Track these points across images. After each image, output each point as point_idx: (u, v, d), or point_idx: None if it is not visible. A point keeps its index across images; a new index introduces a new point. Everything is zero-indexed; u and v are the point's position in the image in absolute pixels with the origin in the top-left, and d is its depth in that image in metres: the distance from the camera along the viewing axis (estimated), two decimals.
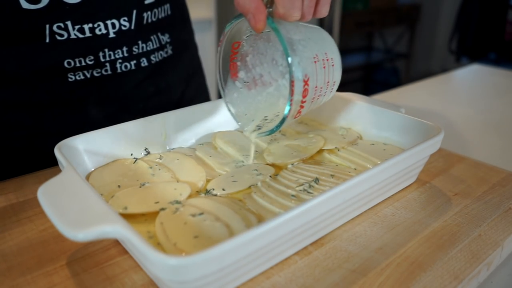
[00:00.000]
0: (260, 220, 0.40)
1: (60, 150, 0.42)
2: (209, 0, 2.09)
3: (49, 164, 0.53)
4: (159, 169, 0.48)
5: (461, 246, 0.41)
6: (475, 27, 2.98)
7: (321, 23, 2.57)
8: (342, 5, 2.74)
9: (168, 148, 0.54)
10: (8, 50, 0.53)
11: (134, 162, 0.49)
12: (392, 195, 0.49)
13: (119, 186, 0.45)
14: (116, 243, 0.41)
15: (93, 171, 0.47)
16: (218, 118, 0.58)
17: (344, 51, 3.23)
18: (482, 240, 0.42)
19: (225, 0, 2.31)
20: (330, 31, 2.56)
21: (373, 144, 0.55)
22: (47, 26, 0.53)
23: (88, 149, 0.47)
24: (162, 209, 0.41)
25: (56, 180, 0.36)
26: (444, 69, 3.17)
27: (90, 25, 0.55)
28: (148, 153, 0.52)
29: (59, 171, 0.41)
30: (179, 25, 0.70)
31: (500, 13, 2.95)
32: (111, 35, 0.57)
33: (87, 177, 0.46)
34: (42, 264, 0.38)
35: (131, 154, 0.51)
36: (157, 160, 0.50)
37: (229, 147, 0.53)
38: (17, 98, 0.56)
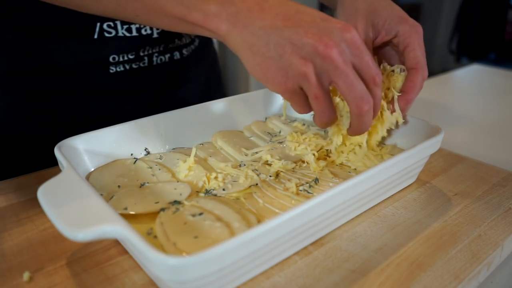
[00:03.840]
0: (260, 220, 0.40)
1: (60, 150, 0.42)
2: None
3: (49, 164, 0.53)
4: (159, 169, 0.48)
5: (461, 246, 0.41)
6: (475, 27, 2.98)
7: None
8: None
9: (168, 148, 0.54)
10: (57, 43, 0.58)
11: (134, 162, 0.49)
12: (392, 195, 0.49)
13: (119, 186, 0.44)
14: (116, 243, 0.41)
15: (93, 171, 0.47)
16: (218, 118, 0.58)
17: None
18: (482, 240, 0.42)
19: None
20: None
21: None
22: (98, 24, 0.57)
23: (88, 149, 0.47)
24: (162, 209, 0.41)
25: (56, 180, 0.36)
26: (444, 69, 3.16)
27: (137, 25, 0.60)
28: (148, 153, 0.52)
29: (59, 171, 0.41)
30: None
31: (500, 13, 2.95)
32: (155, 35, 0.62)
33: (87, 177, 0.46)
34: (42, 264, 0.38)
35: (131, 154, 0.51)
36: (157, 160, 0.50)
37: (229, 147, 0.53)
38: (62, 87, 0.61)
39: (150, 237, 0.38)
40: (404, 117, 0.50)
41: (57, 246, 0.40)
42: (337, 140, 0.49)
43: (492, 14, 2.96)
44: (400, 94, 0.48)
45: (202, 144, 0.55)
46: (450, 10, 3.34)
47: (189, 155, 0.49)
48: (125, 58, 0.61)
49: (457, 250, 0.40)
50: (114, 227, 0.31)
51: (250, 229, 0.31)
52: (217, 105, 0.58)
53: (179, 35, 0.66)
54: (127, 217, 0.39)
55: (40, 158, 0.60)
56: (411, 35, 0.48)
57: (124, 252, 0.39)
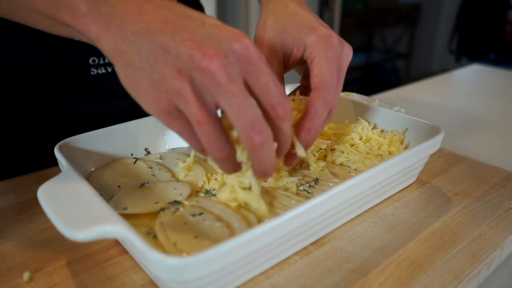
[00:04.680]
0: (260, 220, 0.40)
1: (60, 150, 0.42)
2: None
3: (49, 164, 0.53)
4: (159, 169, 0.48)
5: (461, 246, 0.41)
6: (475, 27, 2.98)
7: None
8: (342, 5, 2.74)
9: (168, 148, 0.54)
10: (38, 43, 0.56)
11: (134, 162, 0.49)
12: (392, 195, 0.49)
13: (119, 186, 0.44)
14: (116, 243, 0.41)
15: (93, 171, 0.47)
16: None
17: None
18: (482, 240, 0.42)
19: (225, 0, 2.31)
20: None
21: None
22: None
23: (88, 149, 0.47)
24: (162, 209, 0.41)
25: (56, 180, 0.36)
26: (444, 69, 3.17)
27: None
28: (148, 153, 0.52)
29: (59, 171, 0.41)
30: None
31: (500, 13, 2.95)
32: None
33: (87, 177, 0.46)
34: (42, 264, 0.38)
35: (131, 154, 0.51)
36: (157, 160, 0.50)
37: None
38: (43, 86, 0.59)
39: (150, 237, 0.38)
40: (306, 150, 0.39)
41: (57, 246, 0.40)
42: (252, 181, 0.39)
43: (492, 14, 2.96)
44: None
45: None
46: (450, 10, 3.34)
47: (189, 155, 0.49)
48: (107, 60, 0.60)
49: (457, 250, 0.40)
50: (114, 227, 0.31)
51: (250, 229, 0.31)
52: None
53: None
54: (127, 217, 0.39)
55: (25, 156, 0.61)
56: (318, 46, 0.39)
57: (124, 252, 0.39)
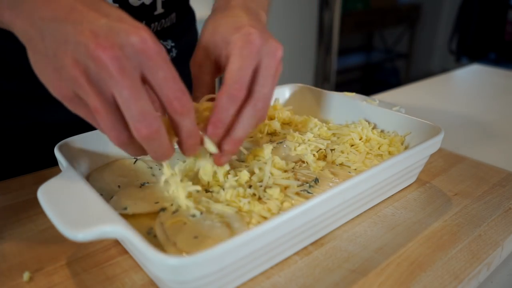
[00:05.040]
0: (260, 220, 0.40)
1: (60, 150, 0.42)
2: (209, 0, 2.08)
3: (49, 164, 0.53)
4: (159, 169, 0.48)
5: (461, 246, 0.41)
6: (475, 27, 2.98)
7: (321, 23, 2.57)
8: (342, 5, 2.74)
9: None
10: (14, 44, 0.52)
11: (134, 162, 0.49)
12: (392, 195, 0.49)
13: (119, 186, 0.44)
14: (116, 243, 0.41)
15: (93, 171, 0.47)
16: None
17: (344, 51, 3.24)
18: (482, 240, 0.42)
19: None
20: (330, 31, 2.56)
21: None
22: None
23: (88, 149, 0.47)
24: (162, 209, 0.41)
25: (56, 180, 0.36)
26: (444, 69, 3.17)
27: None
28: None
29: (59, 171, 0.41)
30: (183, 30, 0.70)
31: (500, 13, 2.95)
32: None
33: (87, 177, 0.46)
34: (42, 264, 0.38)
35: None
36: None
37: None
38: (20, 90, 0.57)
39: (150, 237, 0.38)
40: (219, 162, 0.40)
41: (57, 246, 0.40)
42: (203, 164, 0.41)
43: (492, 14, 2.96)
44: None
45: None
46: (450, 10, 3.35)
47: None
48: None
49: (457, 250, 0.40)
50: (114, 227, 0.31)
51: (250, 229, 0.31)
52: None
53: None
54: (127, 217, 0.39)
55: (25, 156, 0.59)
56: (236, 44, 0.38)
57: (124, 252, 0.39)
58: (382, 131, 0.55)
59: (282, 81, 0.54)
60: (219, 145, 0.39)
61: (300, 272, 0.37)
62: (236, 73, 0.37)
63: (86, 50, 0.29)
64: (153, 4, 0.59)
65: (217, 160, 0.41)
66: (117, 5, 0.55)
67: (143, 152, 0.36)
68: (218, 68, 0.43)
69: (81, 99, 0.32)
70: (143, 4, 0.57)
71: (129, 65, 0.30)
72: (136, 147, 0.35)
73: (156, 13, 0.60)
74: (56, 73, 0.31)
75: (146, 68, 0.31)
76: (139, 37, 0.30)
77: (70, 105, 0.33)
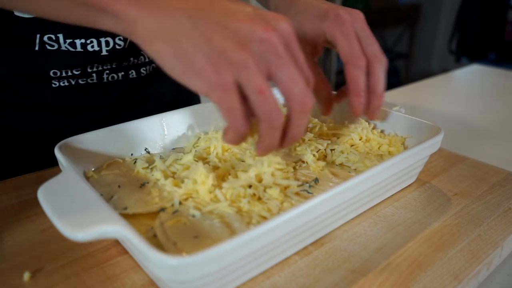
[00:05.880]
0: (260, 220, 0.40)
1: (60, 150, 0.42)
2: None
3: (49, 164, 0.53)
4: (155, 172, 0.48)
5: (461, 246, 0.41)
6: (475, 27, 2.98)
7: None
8: (342, 5, 2.74)
9: (168, 148, 0.54)
10: None
11: (134, 162, 0.49)
12: (392, 195, 0.49)
13: (119, 186, 0.44)
14: (116, 243, 0.41)
15: (93, 171, 0.47)
16: (218, 118, 0.58)
17: None
18: (482, 240, 0.42)
19: None
20: None
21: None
22: (38, 35, 0.52)
23: (88, 149, 0.47)
24: (162, 209, 0.41)
25: (56, 180, 0.36)
26: (444, 69, 3.17)
27: (83, 40, 0.54)
28: (148, 153, 0.52)
29: (59, 171, 0.41)
30: None
31: (500, 13, 2.95)
32: (104, 52, 0.56)
33: (87, 177, 0.46)
34: (42, 264, 0.38)
35: (131, 154, 0.51)
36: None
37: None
38: (0, 99, 0.57)
39: (150, 237, 0.38)
40: (373, 116, 0.45)
41: (57, 246, 0.40)
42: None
43: (492, 14, 2.96)
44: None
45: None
46: (450, 10, 3.34)
47: None
48: (69, 73, 0.56)
49: (457, 250, 0.40)
50: (114, 227, 0.31)
51: (250, 229, 0.31)
52: None
53: (135, 54, 0.60)
54: (127, 217, 0.39)
55: (25, 156, 0.59)
56: (334, 29, 0.43)
57: (124, 252, 0.39)
58: (382, 131, 0.55)
59: None
60: (364, 113, 0.44)
61: (300, 272, 0.37)
62: (349, 50, 0.42)
63: (252, 32, 0.30)
64: None
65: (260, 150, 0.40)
66: None
67: (280, 142, 0.36)
68: (312, 54, 0.48)
69: (236, 87, 0.31)
70: None
71: (286, 47, 0.32)
72: (279, 134, 0.35)
73: None
74: (211, 60, 0.30)
75: (292, 50, 0.32)
76: (287, 22, 0.32)
77: (220, 93, 0.31)
